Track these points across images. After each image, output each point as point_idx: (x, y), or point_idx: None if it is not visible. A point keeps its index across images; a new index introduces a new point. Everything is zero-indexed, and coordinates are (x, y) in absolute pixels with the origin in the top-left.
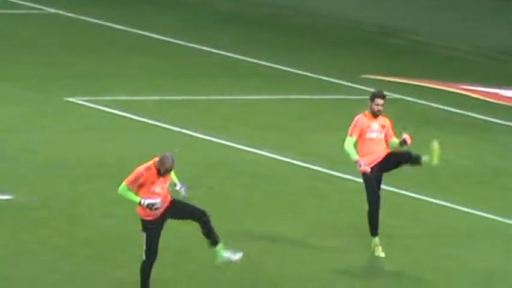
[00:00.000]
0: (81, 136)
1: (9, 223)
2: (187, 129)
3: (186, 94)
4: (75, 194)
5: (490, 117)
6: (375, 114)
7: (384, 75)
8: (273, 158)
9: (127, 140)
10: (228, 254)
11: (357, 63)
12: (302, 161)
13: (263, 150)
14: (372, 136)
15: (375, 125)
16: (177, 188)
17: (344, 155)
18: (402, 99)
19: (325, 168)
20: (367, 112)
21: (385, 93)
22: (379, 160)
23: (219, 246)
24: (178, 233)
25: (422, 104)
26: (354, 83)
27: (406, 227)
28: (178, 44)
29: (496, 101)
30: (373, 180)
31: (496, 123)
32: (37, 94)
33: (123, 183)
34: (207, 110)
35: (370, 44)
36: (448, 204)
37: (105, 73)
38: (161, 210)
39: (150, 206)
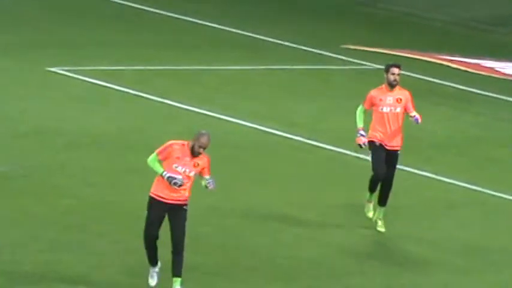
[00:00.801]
0: (63, 106)
1: None
2: (169, 99)
3: (169, 64)
4: (57, 164)
5: (470, 87)
6: (392, 85)
7: (365, 46)
8: (254, 128)
9: (109, 110)
10: None
11: (337, 33)
12: (283, 131)
13: (245, 121)
14: (385, 110)
15: (389, 98)
16: (207, 182)
17: (322, 124)
18: (379, 68)
19: (305, 138)
20: (384, 85)
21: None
22: (385, 147)
23: (178, 280)
24: None
25: (402, 74)
26: (335, 53)
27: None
28: (161, 14)
29: (476, 71)
30: (379, 150)
31: (477, 93)
32: (18, 63)
33: (153, 153)
34: (189, 81)
35: (350, 14)
36: (430, 175)
37: (87, 43)
38: (179, 196)
39: (171, 180)
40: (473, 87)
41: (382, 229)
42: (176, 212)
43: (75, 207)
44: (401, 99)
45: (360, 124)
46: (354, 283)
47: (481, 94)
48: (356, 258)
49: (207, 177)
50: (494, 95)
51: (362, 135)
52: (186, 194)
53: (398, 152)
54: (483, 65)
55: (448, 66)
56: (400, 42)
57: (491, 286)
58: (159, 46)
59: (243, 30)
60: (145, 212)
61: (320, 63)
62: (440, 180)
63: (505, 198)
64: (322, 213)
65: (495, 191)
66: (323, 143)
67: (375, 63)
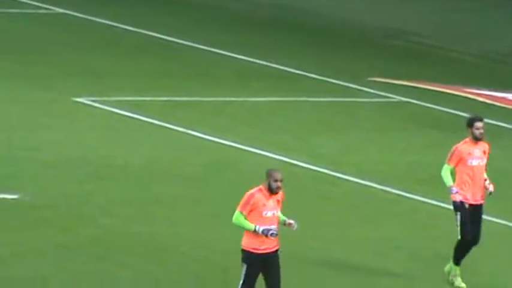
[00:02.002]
0: (88, 136)
1: (16, 222)
2: (194, 130)
3: (194, 95)
4: (82, 194)
5: (498, 121)
6: (477, 139)
7: (392, 79)
8: (279, 159)
9: (134, 140)
10: None
11: (364, 66)
12: (308, 163)
13: (270, 152)
14: (474, 164)
15: (477, 151)
16: (288, 222)
17: (348, 156)
18: (409, 102)
19: (331, 170)
20: (467, 139)
21: (481, 117)
22: (472, 205)
23: None
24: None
25: (430, 107)
26: (362, 86)
27: (412, 230)
28: (186, 44)
29: (503, 105)
30: (467, 213)
31: (504, 127)
32: (45, 94)
33: (237, 211)
34: (214, 112)
35: (378, 46)
36: None
37: (113, 73)
38: (272, 242)
39: (266, 232)
40: (500, 121)
41: (462, 285)
42: (272, 260)
43: (99, 238)
44: (485, 151)
45: (451, 182)
46: None
47: (508, 128)
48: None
49: (292, 223)
50: None
51: (457, 192)
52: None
53: (483, 205)
54: (509, 98)
55: (474, 99)
56: (428, 75)
57: None
58: (184, 77)
59: (270, 62)
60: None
61: (346, 96)
62: None
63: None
64: (348, 245)
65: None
66: (348, 175)
67: (402, 96)
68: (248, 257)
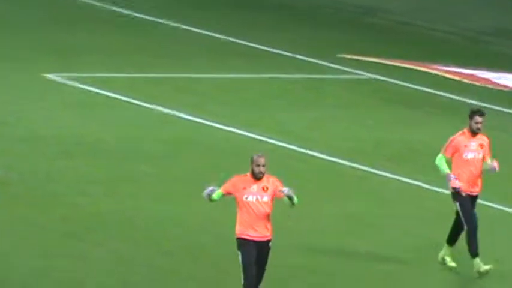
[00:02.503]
0: (59, 113)
1: None
2: (164, 107)
3: (164, 72)
4: (52, 171)
5: (465, 98)
6: (474, 132)
7: (360, 55)
8: (248, 136)
9: (104, 117)
10: None
11: (333, 43)
12: (276, 140)
13: (238, 129)
14: (469, 157)
15: (473, 144)
16: (283, 191)
17: (316, 133)
18: (378, 79)
19: (299, 146)
20: (466, 130)
21: (481, 110)
22: (469, 194)
23: None
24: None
25: (398, 84)
26: (330, 63)
27: (379, 207)
28: (156, 21)
29: (471, 82)
30: (466, 200)
31: (472, 104)
32: (16, 71)
33: (219, 191)
34: (184, 88)
35: (348, 23)
36: (424, 185)
37: (83, 50)
38: (263, 231)
39: (208, 192)
40: (468, 98)
41: (453, 264)
42: (262, 250)
43: (70, 216)
44: (483, 145)
45: (447, 170)
46: None
47: (476, 105)
48: (349, 266)
49: (282, 189)
50: (490, 106)
51: (456, 178)
52: (269, 225)
53: (477, 197)
54: (478, 75)
55: (443, 76)
56: (397, 52)
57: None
58: (154, 54)
59: (240, 39)
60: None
61: (315, 73)
62: (433, 190)
63: (500, 209)
64: (315, 221)
65: (491, 202)
66: (317, 152)
67: (370, 73)
68: (242, 244)
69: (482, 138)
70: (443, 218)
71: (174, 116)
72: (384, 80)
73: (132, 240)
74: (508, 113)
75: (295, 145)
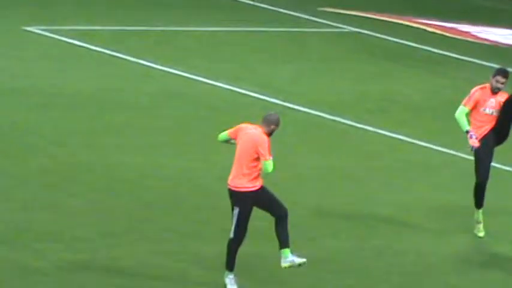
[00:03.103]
0: (38, 65)
1: None
2: (143, 59)
3: (144, 25)
4: (31, 123)
5: (446, 51)
6: (494, 91)
7: (342, 9)
8: (229, 89)
9: (83, 69)
10: (292, 258)
11: None
12: (258, 93)
13: (219, 82)
14: (487, 112)
15: (492, 100)
16: None
17: (298, 86)
18: (359, 32)
19: (280, 100)
20: (488, 85)
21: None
22: (486, 132)
23: (286, 250)
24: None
25: (380, 37)
26: (312, 16)
27: (361, 160)
28: None
29: (452, 36)
30: (483, 153)
31: (453, 57)
32: None
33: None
34: (164, 41)
35: None
36: (405, 138)
37: (63, 2)
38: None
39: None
40: (449, 51)
41: (481, 234)
42: (259, 193)
43: (48, 167)
44: (501, 103)
45: (467, 126)
46: (327, 245)
47: (456, 58)
48: (330, 220)
49: None
50: (470, 59)
51: (476, 137)
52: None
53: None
54: (459, 29)
55: (424, 30)
56: (379, 5)
57: (463, 248)
58: (135, 6)
59: None
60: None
61: (296, 26)
62: (414, 143)
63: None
64: (297, 175)
65: (469, 154)
66: (298, 105)
67: (352, 26)
68: (242, 196)
69: (503, 96)
70: (425, 171)
71: (155, 68)
72: (365, 34)
73: (112, 191)
74: (488, 67)
75: (276, 98)
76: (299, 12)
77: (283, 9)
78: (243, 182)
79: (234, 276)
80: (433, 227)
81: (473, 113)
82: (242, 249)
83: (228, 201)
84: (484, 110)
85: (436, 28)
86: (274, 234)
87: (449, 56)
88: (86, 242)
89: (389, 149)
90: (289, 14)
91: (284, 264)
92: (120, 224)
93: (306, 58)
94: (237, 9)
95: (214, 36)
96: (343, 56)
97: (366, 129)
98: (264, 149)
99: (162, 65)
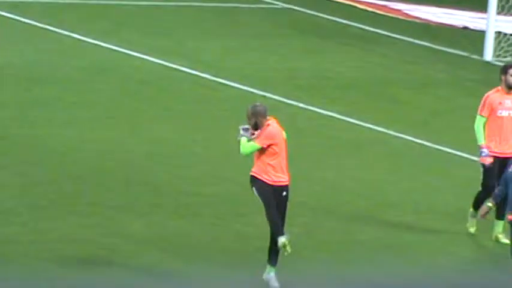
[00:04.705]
0: None
1: None
2: (76, 33)
3: None
4: None
5: (377, 29)
6: (510, 87)
7: None
8: (160, 63)
9: (14, 42)
10: (272, 278)
11: None
12: (189, 68)
13: (151, 56)
14: (504, 114)
15: (508, 101)
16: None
17: (229, 62)
18: (291, 8)
19: (211, 75)
20: (499, 87)
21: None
22: (502, 156)
23: (272, 268)
24: None
25: (312, 14)
26: None
27: (291, 137)
28: None
29: (384, 13)
30: (493, 170)
31: (384, 35)
32: None
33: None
34: (96, 15)
35: None
36: (336, 115)
37: None
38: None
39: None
40: (380, 29)
41: (506, 240)
42: (282, 193)
43: None
44: None
45: (482, 141)
46: (257, 221)
47: (388, 36)
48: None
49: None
50: (401, 37)
51: (487, 155)
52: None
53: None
54: (391, 6)
55: (355, 7)
56: None
57: (388, 227)
58: None
59: None
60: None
61: (229, 2)
62: (345, 121)
63: (409, 140)
64: (226, 150)
65: (399, 132)
66: (229, 80)
67: (283, 2)
68: (262, 185)
69: None
70: (355, 148)
71: (86, 42)
72: (297, 10)
73: (41, 164)
74: (419, 45)
75: (208, 73)
76: None
77: None
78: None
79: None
80: (361, 205)
81: (490, 118)
82: (174, 228)
83: (156, 175)
84: (501, 113)
85: (367, 5)
86: (201, 211)
87: (381, 34)
88: (14, 215)
89: (320, 126)
90: None
91: (264, 277)
92: (48, 197)
93: (237, 34)
94: None
95: (146, 10)
96: (274, 32)
97: (296, 106)
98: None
99: (93, 39)
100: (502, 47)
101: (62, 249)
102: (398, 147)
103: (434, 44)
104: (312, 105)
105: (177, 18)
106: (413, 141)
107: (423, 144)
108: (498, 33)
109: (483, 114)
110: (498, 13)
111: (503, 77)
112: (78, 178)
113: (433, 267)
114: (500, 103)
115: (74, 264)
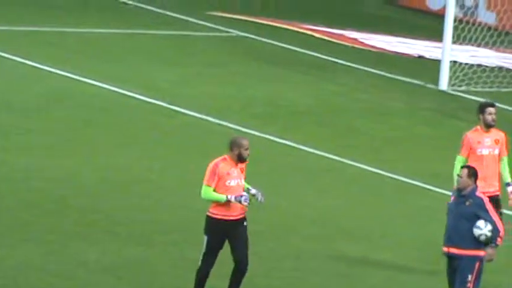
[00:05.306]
0: None
1: None
2: (31, 60)
3: (32, 25)
4: None
5: (333, 57)
6: (488, 126)
7: (230, 13)
8: (115, 91)
9: None
10: None
11: (204, 0)
12: (144, 96)
13: (106, 84)
14: (484, 153)
15: (487, 140)
16: (252, 192)
17: (185, 89)
18: (247, 37)
19: (167, 103)
20: (478, 127)
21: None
22: (489, 195)
23: None
24: None
25: (267, 42)
26: (200, 20)
27: (251, 165)
28: None
29: (340, 42)
30: None
31: (339, 63)
32: None
33: (204, 185)
34: (52, 42)
35: None
36: (290, 143)
37: None
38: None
39: (239, 199)
40: (336, 58)
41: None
42: (235, 227)
43: None
44: (498, 140)
45: (510, 178)
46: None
47: (343, 64)
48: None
49: (254, 191)
50: (357, 66)
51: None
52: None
53: (499, 197)
54: (347, 35)
55: (311, 35)
56: (266, 10)
57: (341, 254)
58: (22, 6)
59: None
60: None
61: (185, 29)
62: (299, 149)
63: (363, 168)
64: (182, 178)
65: (354, 161)
66: (185, 108)
67: (240, 31)
68: (213, 224)
69: (498, 134)
70: (309, 176)
71: (42, 69)
72: (253, 38)
73: None
74: (375, 73)
75: (163, 101)
76: (187, 16)
77: (172, 12)
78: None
79: None
80: (315, 233)
81: (470, 158)
82: (128, 255)
83: (111, 203)
84: (480, 151)
85: (323, 34)
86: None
87: (337, 62)
88: None
89: (275, 154)
90: (178, 17)
91: None
92: (3, 224)
93: (193, 61)
94: (125, 11)
95: (102, 38)
96: (230, 60)
97: (252, 134)
98: (206, 174)
99: (50, 66)
100: (458, 76)
101: (17, 277)
102: (353, 175)
103: (390, 72)
104: (267, 134)
105: (133, 46)
106: (368, 170)
107: (377, 173)
108: (453, 62)
109: (462, 154)
110: (453, 42)
111: (481, 116)
112: (33, 206)
113: None
114: (479, 142)
115: None
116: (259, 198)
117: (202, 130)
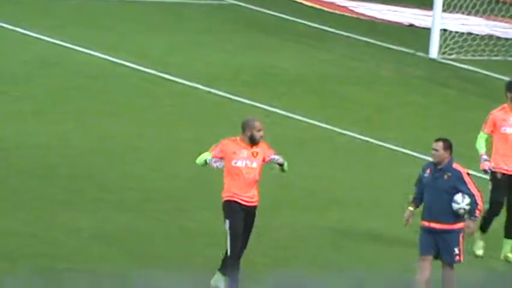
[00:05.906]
0: None
1: None
2: (21, 27)
3: None
4: None
5: (323, 25)
6: None
7: None
8: (105, 59)
9: None
10: (220, 284)
11: None
12: (134, 63)
13: (96, 51)
14: (508, 131)
15: None
16: (273, 159)
17: (175, 57)
18: (237, 4)
19: (157, 70)
20: (506, 105)
21: None
22: (507, 174)
23: (221, 275)
24: None
25: (258, 10)
26: None
27: (236, 133)
28: None
29: (330, 10)
30: (501, 186)
31: (330, 31)
32: None
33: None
34: (42, 10)
35: None
36: (280, 112)
37: None
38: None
39: (210, 161)
40: (326, 26)
41: (479, 253)
42: (249, 213)
43: None
44: None
45: (482, 149)
46: (201, 217)
47: (334, 33)
48: (205, 191)
49: (273, 156)
50: (347, 34)
51: (486, 160)
52: (255, 191)
53: None
54: (337, 3)
55: (302, 3)
56: None
57: (333, 224)
58: None
59: None
60: None
61: None
62: (290, 117)
63: (354, 137)
64: (172, 146)
65: (344, 129)
66: (175, 76)
67: None
68: (230, 209)
69: None
70: (299, 145)
71: (31, 37)
72: (243, 6)
73: None
74: (365, 42)
75: (153, 69)
76: None
77: None
78: None
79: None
80: (308, 203)
81: (494, 136)
82: (119, 223)
83: (102, 170)
84: (505, 129)
85: (313, 2)
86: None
87: (327, 30)
88: None
89: (264, 123)
90: None
91: (212, 282)
92: None
93: (183, 29)
94: None
95: (92, 5)
96: (220, 28)
97: (241, 102)
98: None
99: (38, 33)
100: (448, 45)
101: (6, 244)
102: (343, 144)
103: (380, 41)
104: (257, 101)
105: (123, 14)
106: (358, 138)
107: (368, 141)
108: (444, 30)
109: (485, 130)
110: (444, 10)
111: (509, 95)
112: (22, 173)
113: (376, 266)
114: (504, 120)
115: (17, 259)
116: (279, 161)
117: (193, 98)
